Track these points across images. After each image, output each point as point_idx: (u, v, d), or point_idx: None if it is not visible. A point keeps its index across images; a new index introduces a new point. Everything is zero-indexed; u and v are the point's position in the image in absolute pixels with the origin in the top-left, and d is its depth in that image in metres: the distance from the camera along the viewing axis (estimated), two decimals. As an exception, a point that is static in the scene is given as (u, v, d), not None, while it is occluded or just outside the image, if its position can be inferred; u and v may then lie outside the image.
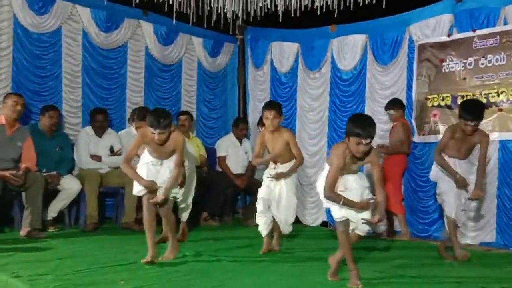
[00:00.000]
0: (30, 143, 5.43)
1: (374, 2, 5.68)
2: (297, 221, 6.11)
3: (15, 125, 5.36)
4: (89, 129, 6.20)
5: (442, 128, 5.84)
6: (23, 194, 5.33)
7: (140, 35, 7.00)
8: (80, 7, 6.34)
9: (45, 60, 6.15)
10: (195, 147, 6.88)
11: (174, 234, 4.48)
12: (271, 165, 4.94)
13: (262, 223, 4.89)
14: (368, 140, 3.45)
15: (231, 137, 7.24)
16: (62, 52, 6.28)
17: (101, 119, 6.18)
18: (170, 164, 4.26)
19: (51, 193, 5.61)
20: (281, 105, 5.04)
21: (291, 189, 4.90)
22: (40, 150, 5.53)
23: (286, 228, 4.97)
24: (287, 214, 4.89)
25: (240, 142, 7.24)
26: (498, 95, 5.49)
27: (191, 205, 5.30)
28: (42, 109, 5.84)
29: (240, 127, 7.23)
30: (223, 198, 6.86)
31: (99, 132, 6.19)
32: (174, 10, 6.09)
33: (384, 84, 6.48)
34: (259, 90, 7.89)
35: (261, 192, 4.89)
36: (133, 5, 5.98)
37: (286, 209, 4.87)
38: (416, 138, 6.14)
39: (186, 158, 5.02)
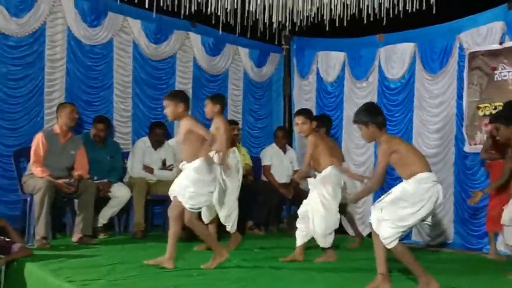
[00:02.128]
0: (83, 151, 5.59)
1: (424, 8, 5.58)
2: (343, 231, 6.10)
3: (68, 134, 5.52)
4: (146, 139, 6.34)
5: (494, 137, 5.68)
6: (75, 201, 5.47)
7: (188, 46, 7.13)
8: (131, 20, 6.52)
9: (97, 71, 6.34)
10: (241, 156, 6.93)
11: (213, 243, 4.51)
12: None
13: (297, 234, 4.85)
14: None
15: (274, 146, 7.26)
16: (114, 63, 6.46)
17: (158, 132, 6.31)
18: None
19: (102, 201, 5.75)
20: (310, 111, 5.04)
21: (325, 200, 4.75)
22: (92, 159, 5.68)
23: (321, 241, 4.83)
24: (320, 226, 4.75)
25: (284, 151, 7.25)
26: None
27: (234, 215, 5.30)
28: (94, 120, 6.01)
29: (279, 135, 7.25)
30: (268, 207, 6.87)
31: (156, 145, 6.32)
32: (221, 21, 6.15)
33: (433, 93, 6.37)
34: (304, 100, 7.88)
35: (303, 202, 4.89)
36: (182, 17, 6.08)
37: (319, 221, 4.75)
38: (467, 148, 6.00)
39: (223, 169, 5.07)
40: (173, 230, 4.31)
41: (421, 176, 3.65)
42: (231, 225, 5.34)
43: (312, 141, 4.81)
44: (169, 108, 4.40)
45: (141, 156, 6.23)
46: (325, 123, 6.32)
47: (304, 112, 4.98)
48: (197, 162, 4.31)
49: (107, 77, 6.42)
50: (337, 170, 4.89)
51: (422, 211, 3.61)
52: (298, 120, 4.86)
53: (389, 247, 3.57)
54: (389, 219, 3.56)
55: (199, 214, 4.75)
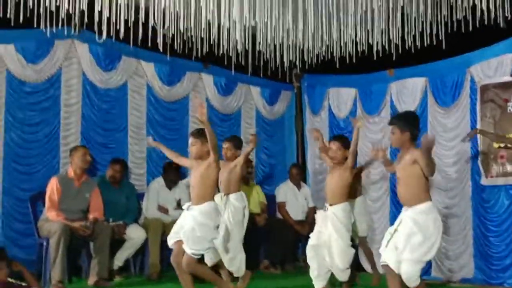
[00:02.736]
0: (97, 193, 5.63)
1: (434, 44, 5.63)
2: (359, 268, 6.00)
3: (82, 176, 5.57)
4: (160, 180, 6.38)
5: (510, 169, 5.64)
6: (91, 243, 5.47)
7: (201, 87, 7.23)
8: (144, 63, 6.65)
9: (112, 114, 6.44)
10: (254, 194, 6.93)
11: (219, 281, 4.48)
12: (324, 206, 4.91)
13: (315, 276, 4.76)
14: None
15: (289, 183, 7.25)
16: (128, 106, 6.57)
17: (173, 173, 6.35)
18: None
19: (117, 243, 5.74)
20: (347, 139, 5.12)
21: (342, 233, 4.74)
22: (107, 200, 5.72)
23: (340, 274, 4.79)
24: (339, 260, 4.72)
25: (299, 188, 7.23)
26: None
27: (239, 259, 5.21)
28: (110, 161, 6.07)
29: (294, 172, 7.24)
30: (283, 245, 6.81)
31: (170, 185, 6.35)
32: (233, 62, 6.25)
33: (446, 126, 6.36)
34: (331, 139, 7.87)
35: (312, 238, 4.81)
36: (194, 58, 6.19)
37: (338, 256, 4.72)
38: (484, 181, 5.94)
39: (231, 214, 5.06)
40: (183, 277, 4.28)
41: (427, 206, 3.65)
42: (236, 269, 5.21)
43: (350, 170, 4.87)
44: (196, 146, 4.44)
45: (155, 196, 6.25)
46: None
47: (340, 139, 5.08)
48: (206, 206, 4.30)
49: (122, 120, 6.51)
50: (350, 206, 4.90)
51: (438, 242, 3.60)
52: (333, 145, 4.97)
53: (412, 285, 3.52)
54: (410, 258, 3.52)
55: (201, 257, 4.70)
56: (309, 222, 6.93)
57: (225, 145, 5.46)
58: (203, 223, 4.26)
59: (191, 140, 4.54)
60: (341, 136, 5.20)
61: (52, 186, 5.34)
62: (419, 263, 3.54)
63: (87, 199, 5.54)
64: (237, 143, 5.53)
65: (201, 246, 4.27)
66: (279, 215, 7.14)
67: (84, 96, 6.22)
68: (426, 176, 3.80)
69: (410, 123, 3.88)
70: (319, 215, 4.88)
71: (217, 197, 5.34)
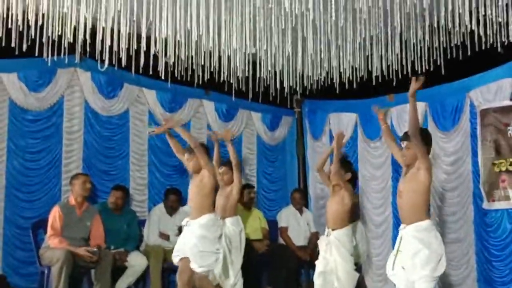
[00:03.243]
0: (98, 221, 5.62)
1: (433, 69, 5.69)
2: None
3: (84, 204, 5.56)
4: (161, 206, 6.37)
5: (512, 193, 5.63)
6: (92, 271, 5.45)
7: (202, 113, 7.27)
8: (146, 90, 6.69)
9: (114, 140, 6.46)
10: (256, 220, 6.90)
11: None
12: (325, 230, 4.90)
13: None
14: None
15: (291, 208, 7.24)
16: (130, 133, 6.59)
17: (173, 199, 6.35)
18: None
19: (118, 270, 5.71)
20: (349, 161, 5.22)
21: (347, 258, 4.73)
22: (108, 228, 5.70)
23: None
24: (348, 283, 4.70)
25: (301, 213, 7.21)
26: None
27: (239, 285, 5.18)
28: (112, 188, 6.07)
29: (296, 197, 7.23)
30: (286, 271, 6.75)
31: (171, 211, 6.35)
32: (234, 88, 6.30)
33: (447, 150, 6.37)
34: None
35: (318, 266, 4.79)
36: (195, 85, 6.25)
37: (345, 280, 4.69)
38: (486, 205, 5.93)
39: (227, 238, 5.05)
40: None
41: (428, 223, 3.70)
42: None
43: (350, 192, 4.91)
44: (193, 161, 4.45)
45: (156, 223, 6.24)
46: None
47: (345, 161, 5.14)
48: (205, 218, 4.29)
49: (124, 147, 6.53)
50: (351, 230, 4.90)
51: (444, 258, 3.61)
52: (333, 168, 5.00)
53: None
54: (424, 274, 3.51)
55: None
56: (311, 248, 6.89)
57: (221, 169, 5.48)
58: (203, 235, 4.26)
59: (186, 156, 4.58)
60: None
61: (55, 214, 5.34)
62: (432, 280, 3.54)
63: (88, 227, 5.53)
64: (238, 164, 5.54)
65: (208, 260, 4.25)
66: (281, 241, 7.10)
67: (86, 124, 6.25)
68: (427, 191, 3.81)
69: (427, 139, 3.92)
70: (322, 241, 4.87)
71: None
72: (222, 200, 5.31)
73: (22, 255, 5.66)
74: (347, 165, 5.17)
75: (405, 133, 3.95)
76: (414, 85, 3.89)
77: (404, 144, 4.00)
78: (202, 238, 4.22)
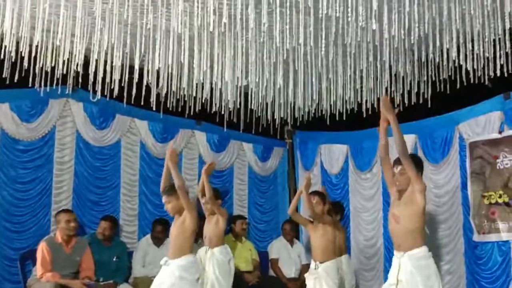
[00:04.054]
0: (89, 254, 5.55)
1: (422, 102, 5.77)
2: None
3: (72, 240, 5.47)
4: (148, 237, 6.33)
5: (502, 226, 5.65)
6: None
7: (193, 144, 7.28)
8: (138, 121, 6.71)
9: (105, 171, 6.43)
10: (247, 251, 6.87)
11: None
12: (312, 264, 4.90)
13: None
14: None
15: (282, 239, 7.21)
16: (121, 163, 6.57)
17: (159, 229, 6.30)
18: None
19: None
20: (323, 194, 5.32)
21: None
22: (97, 259, 5.64)
23: None
24: None
25: (292, 244, 7.18)
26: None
27: None
28: (101, 218, 6.03)
29: (287, 228, 7.21)
30: (277, 303, 6.70)
31: (158, 242, 6.30)
32: (225, 119, 6.35)
33: (437, 183, 6.40)
34: (310, 192, 7.90)
35: None
36: (187, 116, 6.30)
37: None
38: (476, 238, 5.94)
39: (216, 266, 5.02)
40: None
41: (425, 250, 3.73)
42: None
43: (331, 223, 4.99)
44: (172, 203, 4.44)
45: (143, 254, 6.18)
46: (341, 210, 6.41)
47: (318, 193, 5.23)
48: (184, 260, 4.26)
49: (115, 177, 6.50)
50: (338, 263, 4.91)
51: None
52: (313, 199, 5.07)
53: None
54: None
55: None
56: (302, 280, 6.83)
57: (203, 199, 5.47)
58: (182, 277, 4.22)
59: (164, 198, 4.53)
60: (317, 191, 5.35)
61: (42, 251, 5.22)
62: None
63: (78, 261, 5.46)
64: (215, 195, 5.54)
65: None
66: (272, 272, 7.05)
67: (77, 154, 6.23)
68: (423, 214, 3.82)
69: (418, 165, 3.92)
70: (310, 275, 4.86)
71: (202, 250, 5.35)
72: (209, 230, 5.32)
73: (8, 287, 5.57)
74: (322, 196, 5.30)
75: (398, 158, 3.95)
76: (383, 104, 3.92)
77: (397, 169, 3.98)
78: (181, 280, 4.20)
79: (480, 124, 6.05)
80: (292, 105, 6.53)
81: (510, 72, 4.99)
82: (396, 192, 3.98)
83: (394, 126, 3.90)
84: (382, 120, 4.12)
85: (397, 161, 3.99)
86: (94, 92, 5.31)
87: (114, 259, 5.94)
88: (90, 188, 6.28)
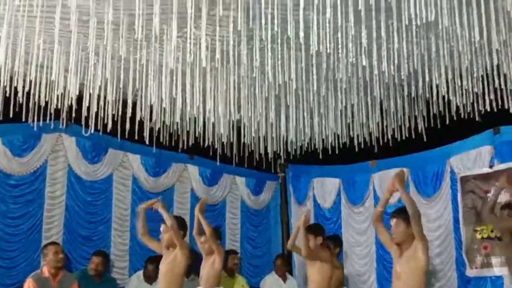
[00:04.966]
0: (75, 288, 5.47)
1: (412, 137, 5.82)
2: None
3: (59, 273, 5.35)
4: (140, 274, 6.23)
5: (495, 260, 5.64)
6: None
7: (186, 178, 7.27)
8: (130, 155, 6.71)
9: (96, 205, 6.38)
10: (239, 286, 6.78)
11: None
12: None
13: None
14: None
15: (274, 274, 7.13)
16: (113, 198, 6.53)
17: (151, 269, 6.18)
18: None
19: None
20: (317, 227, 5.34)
21: None
22: (88, 296, 5.56)
23: None
24: None
25: (284, 279, 7.10)
26: (549, 225, 5.33)
27: None
28: (92, 254, 5.96)
29: (279, 263, 7.14)
30: None
31: (149, 280, 6.20)
32: (218, 153, 6.36)
33: (430, 216, 6.40)
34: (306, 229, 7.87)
35: None
36: (180, 150, 6.32)
37: None
38: (469, 272, 5.91)
39: None
40: None
41: None
42: None
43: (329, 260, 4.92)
44: (168, 234, 4.41)
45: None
46: (339, 244, 6.35)
47: (309, 228, 5.13)
48: None
49: (106, 212, 6.45)
50: None
51: None
52: (309, 237, 5.02)
53: None
54: None
55: None
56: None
57: (202, 238, 5.40)
58: None
59: (163, 227, 4.53)
60: (311, 225, 5.31)
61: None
62: None
63: (66, 297, 5.37)
64: (216, 234, 5.48)
65: None
66: (264, 309, 6.96)
67: (68, 188, 6.19)
68: (425, 272, 3.83)
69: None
70: None
71: None
72: (206, 270, 5.21)
73: (-2, 324, 5.47)
74: (319, 230, 5.18)
75: (396, 210, 3.98)
76: (396, 177, 4.04)
77: (393, 221, 4.03)
78: None
79: (471, 158, 6.11)
80: (284, 139, 6.56)
81: (499, 107, 5.06)
82: (397, 249, 4.00)
83: (405, 196, 3.99)
84: (387, 191, 4.17)
85: (394, 214, 4.05)
86: (87, 126, 5.32)
87: (104, 296, 5.86)
88: (81, 223, 6.22)
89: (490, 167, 5.90)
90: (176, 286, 4.30)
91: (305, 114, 5.62)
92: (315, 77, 4.56)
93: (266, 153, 6.78)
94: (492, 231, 5.77)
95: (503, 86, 4.88)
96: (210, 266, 5.20)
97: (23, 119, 5.08)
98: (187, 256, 4.40)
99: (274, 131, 6.20)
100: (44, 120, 5.20)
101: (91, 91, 4.79)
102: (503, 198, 5.41)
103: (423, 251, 3.80)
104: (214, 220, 7.47)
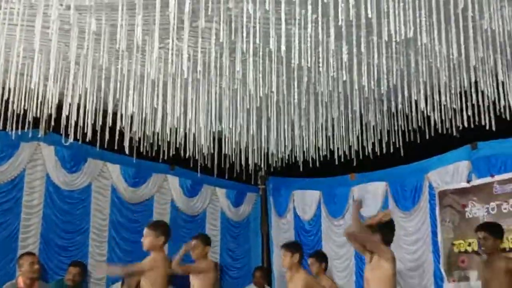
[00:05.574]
0: (51, 299, 5.39)
1: (391, 151, 5.87)
2: None
3: (34, 284, 5.26)
4: (118, 285, 6.15)
5: (472, 274, 5.69)
6: None
7: (166, 189, 7.24)
8: (110, 165, 6.66)
9: (74, 215, 6.32)
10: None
11: None
12: None
13: None
14: None
15: (253, 286, 7.12)
16: (91, 208, 6.47)
17: (129, 281, 6.11)
18: None
19: None
20: (295, 244, 5.21)
21: None
22: (63, 307, 5.48)
23: None
24: None
25: (263, 292, 7.10)
26: (525, 240, 5.42)
27: None
28: (69, 264, 5.89)
29: (257, 275, 7.13)
30: None
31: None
32: (199, 164, 6.34)
33: (408, 230, 6.46)
34: (283, 238, 7.86)
35: None
36: (160, 160, 6.29)
37: None
38: (446, 286, 5.96)
39: None
40: None
41: None
42: None
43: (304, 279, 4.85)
44: (149, 238, 4.39)
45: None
46: (325, 259, 6.31)
47: (286, 246, 5.11)
48: None
49: (84, 221, 6.38)
50: None
51: None
52: (281, 253, 5.02)
53: None
54: None
55: None
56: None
57: (193, 242, 5.35)
58: None
59: (145, 231, 4.49)
60: (286, 243, 5.30)
61: None
62: None
63: (40, 309, 5.28)
64: (205, 240, 5.47)
65: None
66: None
67: (46, 198, 6.12)
68: (392, 280, 3.92)
69: (387, 234, 4.20)
70: None
71: None
72: (198, 282, 5.16)
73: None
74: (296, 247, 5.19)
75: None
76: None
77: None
78: None
79: (449, 173, 6.18)
80: (265, 151, 6.57)
81: (476, 123, 5.14)
82: (368, 256, 4.17)
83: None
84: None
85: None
86: (67, 135, 5.27)
87: (80, 307, 5.78)
88: (58, 233, 6.15)
89: (468, 182, 5.98)
90: None
91: (286, 126, 5.65)
92: (296, 90, 4.59)
93: (247, 164, 6.78)
94: (469, 245, 5.83)
95: (480, 103, 4.95)
96: (202, 277, 5.14)
97: (1, 127, 5.02)
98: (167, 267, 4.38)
99: (255, 143, 6.21)
100: (23, 128, 5.15)
101: (70, 100, 4.75)
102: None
103: (386, 260, 3.98)
104: (194, 231, 7.43)
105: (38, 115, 5.09)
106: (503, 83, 4.79)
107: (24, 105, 4.96)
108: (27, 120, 5.12)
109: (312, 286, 4.87)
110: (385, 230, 4.18)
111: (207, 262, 5.32)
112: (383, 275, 3.96)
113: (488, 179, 5.80)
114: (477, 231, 4.75)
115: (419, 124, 5.47)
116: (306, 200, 7.68)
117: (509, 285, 4.41)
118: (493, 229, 4.74)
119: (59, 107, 4.93)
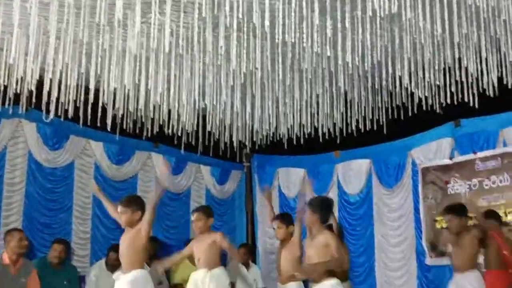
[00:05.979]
0: (34, 277, 5.32)
1: (375, 128, 5.88)
2: None
3: (19, 261, 5.24)
4: (102, 263, 6.12)
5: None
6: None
7: (150, 166, 7.19)
8: (93, 142, 6.59)
9: (57, 193, 6.27)
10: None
11: None
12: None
13: None
14: None
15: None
16: (74, 185, 6.42)
17: (114, 257, 6.06)
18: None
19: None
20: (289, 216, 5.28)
21: None
22: (46, 285, 5.43)
23: None
24: None
25: (248, 267, 7.12)
26: (506, 215, 5.49)
27: None
28: (52, 242, 5.84)
29: (241, 252, 7.13)
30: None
31: (111, 268, 6.11)
32: (183, 141, 6.30)
33: (391, 206, 6.52)
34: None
35: None
36: (144, 138, 6.24)
37: None
38: (428, 261, 6.05)
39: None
40: None
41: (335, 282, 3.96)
42: None
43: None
44: (126, 215, 4.37)
45: (95, 280, 6.00)
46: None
47: (280, 217, 5.18)
48: (133, 274, 4.18)
49: (67, 199, 6.34)
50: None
51: None
52: (274, 224, 5.03)
53: None
54: None
55: None
56: (259, 304, 6.80)
57: (194, 216, 5.21)
58: None
59: (120, 208, 4.47)
60: (280, 214, 5.32)
61: None
62: None
63: (24, 283, 5.24)
64: (208, 211, 5.32)
65: None
66: (228, 298, 6.95)
67: (28, 175, 6.05)
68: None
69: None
70: None
71: (200, 272, 5.09)
72: (204, 250, 5.02)
73: (-49, 314, 5.32)
74: (288, 218, 5.22)
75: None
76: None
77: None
78: None
79: (432, 150, 6.23)
80: (250, 128, 6.55)
81: (459, 100, 5.16)
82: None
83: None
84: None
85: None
86: (48, 112, 5.19)
87: (64, 283, 5.76)
88: (41, 210, 6.10)
89: (450, 158, 6.03)
90: (136, 263, 4.26)
91: (270, 103, 5.62)
92: (280, 66, 4.55)
93: (231, 142, 6.76)
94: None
95: (464, 79, 4.96)
96: (209, 247, 5.00)
97: (-20, 104, 4.94)
98: (149, 233, 4.39)
99: (239, 120, 6.18)
100: (3, 105, 5.06)
101: (51, 76, 4.67)
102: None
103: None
104: (179, 209, 7.45)
105: (18, 91, 5.01)
106: (486, 59, 4.80)
107: (4, 81, 4.88)
108: (7, 97, 5.03)
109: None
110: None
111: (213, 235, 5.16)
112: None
113: (470, 156, 5.86)
114: (442, 215, 4.85)
115: (404, 101, 5.47)
116: (290, 177, 7.70)
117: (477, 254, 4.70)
118: (456, 210, 4.85)
119: (40, 83, 4.85)
